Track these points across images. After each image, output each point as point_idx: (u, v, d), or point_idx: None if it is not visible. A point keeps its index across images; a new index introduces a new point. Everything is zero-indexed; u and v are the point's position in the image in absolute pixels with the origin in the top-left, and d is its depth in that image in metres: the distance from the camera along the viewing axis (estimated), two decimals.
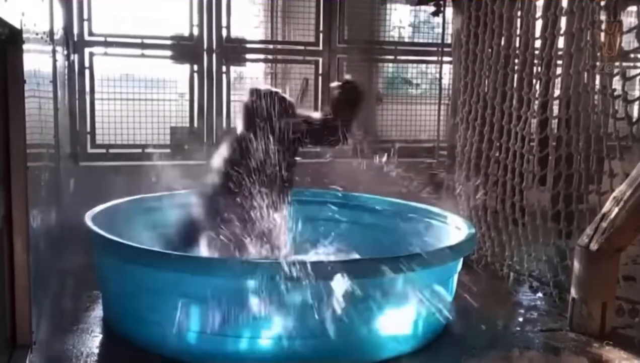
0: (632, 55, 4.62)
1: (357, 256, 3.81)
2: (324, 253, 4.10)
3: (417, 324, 3.38)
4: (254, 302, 3.00)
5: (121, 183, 4.41)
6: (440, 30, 6.26)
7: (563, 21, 4.19)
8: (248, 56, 6.42)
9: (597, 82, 3.92)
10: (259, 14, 6.64)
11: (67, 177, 5.36)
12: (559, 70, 4.29)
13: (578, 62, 3.98)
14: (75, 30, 5.77)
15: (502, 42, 4.77)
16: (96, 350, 3.28)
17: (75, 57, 5.79)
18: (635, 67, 5.28)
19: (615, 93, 3.72)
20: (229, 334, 3.06)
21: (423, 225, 4.33)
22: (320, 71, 6.46)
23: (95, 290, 3.94)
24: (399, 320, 3.27)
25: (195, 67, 6.11)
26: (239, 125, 3.91)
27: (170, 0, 6.05)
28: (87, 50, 5.85)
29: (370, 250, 3.92)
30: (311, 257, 3.95)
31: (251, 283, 2.97)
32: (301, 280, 2.98)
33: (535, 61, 4.45)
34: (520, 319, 3.95)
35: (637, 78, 4.05)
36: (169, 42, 6.08)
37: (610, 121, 3.75)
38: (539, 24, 4.42)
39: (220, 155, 3.84)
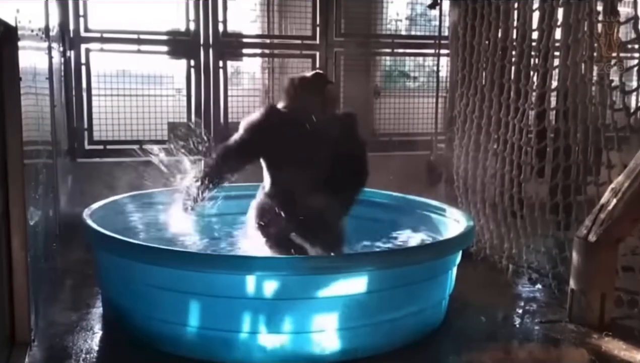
0: (629, 46, 4.61)
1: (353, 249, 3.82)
2: None
3: (417, 317, 3.38)
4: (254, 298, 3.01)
5: (119, 179, 4.40)
6: (437, 22, 6.24)
7: (560, 12, 4.18)
8: (245, 51, 6.41)
9: (595, 73, 3.92)
10: (255, 8, 6.62)
11: (64, 173, 5.36)
12: (556, 62, 4.28)
13: (575, 54, 3.97)
14: (71, 27, 5.76)
15: (499, 34, 4.75)
16: (96, 348, 3.28)
17: (71, 54, 5.78)
18: (632, 58, 5.26)
19: (613, 84, 3.71)
20: (231, 330, 3.07)
21: (422, 217, 4.33)
22: (317, 65, 6.44)
23: (95, 287, 3.93)
24: (397, 314, 3.27)
25: (192, 62, 6.10)
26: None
27: None
28: (83, 47, 5.84)
29: (370, 244, 3.93)
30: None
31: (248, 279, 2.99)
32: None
33: (533, 53, 4.44)
34: (520, 311, 3.96)
35: (635, 69, 4.04)
36: (165, 37, 6.06)
37: (608, 112, 3.75)
38: (535, 16, 4.41)
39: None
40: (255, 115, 3.67)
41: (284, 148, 3.54)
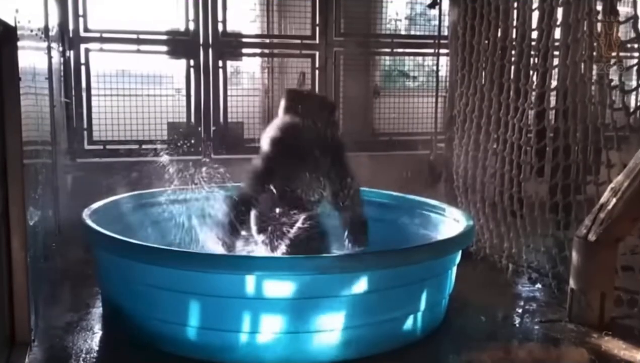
0: (628, 46, 4.61)
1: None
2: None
3: (416, 316, 3.38)
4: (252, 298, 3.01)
5: (118, 179, 4.41)
6: (436, 22, 6.24)
7: (559, 12, 4.18)
8: (244, 50, 6.40)
9: (594, 72, 3.92)
10: (254, 8, 6.62)
11: (64, 173, 5.36)
12: (555, 61, 4.28)
13: (575, 53, 3.97)
14: (71, 27, 5.75)
15: (499, 34, 4.76)
16: (96, 348, 3.28)
17: (70, 54, 5.77)
18: (632, 57, 5.27)
19: (612, 83, 3.71)
20: (230, 329, 3.07)
21: (421, 217, 4.33)
22: (317, 65, 6.45)
23: (95, 287, 3.93)
24: (396, 313, 3.27)
25: (192, 62, 6.10)
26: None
27: None
28: (82, 47, 5.83)
29: (370, 244, 3.92)
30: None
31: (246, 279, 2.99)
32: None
33: (532, 52, 4.44)
34: (520, 310, 3.96)
35: (634, 68, 4.04)
36: (164, 37, 6.06)
37: (608, 112, 3.75)
38: (535, 15, 4.41)
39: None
40: (279, 132, 3.70)
41: (296, 161, 3.61)
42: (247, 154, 4.74)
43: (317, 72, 6.45)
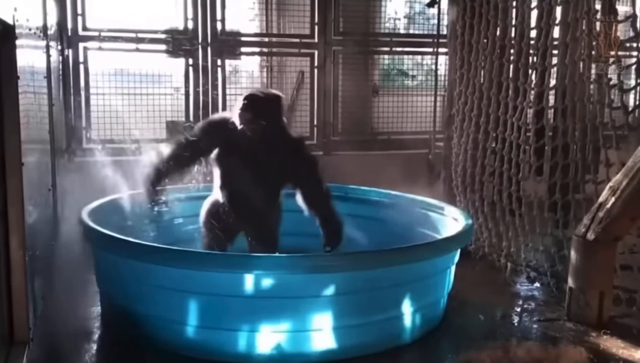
0: (627, 44, 4.61)
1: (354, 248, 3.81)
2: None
3: (415, 315, 3.38)
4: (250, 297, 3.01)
5: (117, 178, 4.39)
6: (435, 21, 6.24)
7: (558, 11, 4.18)
8: (243, 49, 6.39)
9: (593, 71, 3.92)
10: (253, 7, 6.61)
11: (62, 172, 5.34)
12: (554, 60, 4.29)
13: (574, 52, 3.98)
14: (69, 25, 5.74)
15: (498, 33, 4.76)
16: (94, 347, 3.29)
17: (69, 52, 5.77)
18: (630, 56, 5.27)
19: (611, 82, 3.72)
20: (229, 328, 3.07)
21: (420, 216, 4.33)
22: (316, 64, 6.44)
23: (94, 286, 3.93)
24: (396, 312, 3.27)
25: (191, 61, 6.09)
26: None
27: None
28: (81, 45, 5.82)
29: (368, 243, 3.93)
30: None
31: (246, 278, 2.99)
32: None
33: (531, 51, 4.45)
34: (518, 309, 3.96)
35: (633, 67, 4.05)
36: (163, 36, 6.05)
37: (606, 111, 3.76)
38: (534, 14, 4.41)
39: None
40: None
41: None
42: None
43: (315, 71, 6.44)
